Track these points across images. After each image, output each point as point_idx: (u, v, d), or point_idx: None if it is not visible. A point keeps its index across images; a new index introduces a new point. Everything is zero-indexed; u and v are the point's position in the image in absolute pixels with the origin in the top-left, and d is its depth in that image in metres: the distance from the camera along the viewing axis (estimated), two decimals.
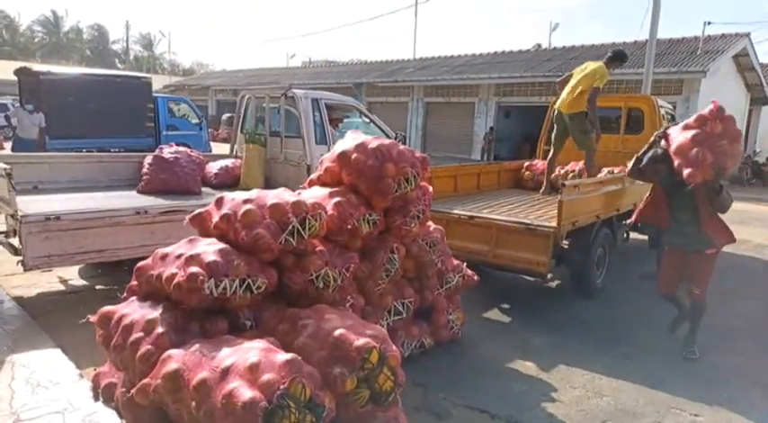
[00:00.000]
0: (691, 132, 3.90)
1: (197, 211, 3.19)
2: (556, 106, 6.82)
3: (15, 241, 4.33)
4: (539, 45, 29.86)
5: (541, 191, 7.00)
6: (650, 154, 4.33)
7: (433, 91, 24.45)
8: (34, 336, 3.95)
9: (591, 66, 6.48)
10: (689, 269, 4.31)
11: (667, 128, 4.27)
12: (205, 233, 3.12)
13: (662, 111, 7.56)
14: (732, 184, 18.30)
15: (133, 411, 2.68)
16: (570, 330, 4.74)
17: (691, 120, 3.99)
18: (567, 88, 6.57)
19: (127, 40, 65.20)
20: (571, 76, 6.61)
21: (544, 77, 19.85)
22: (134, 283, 3.04)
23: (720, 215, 4.18)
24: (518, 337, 4.57)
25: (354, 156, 3.64)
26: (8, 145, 11.77)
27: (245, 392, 2.16)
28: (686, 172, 3.85)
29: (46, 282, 5.28)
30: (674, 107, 12.76)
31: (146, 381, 2.48)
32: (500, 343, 4.41)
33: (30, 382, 3.27)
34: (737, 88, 20.37)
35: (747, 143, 22.44)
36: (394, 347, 2.65)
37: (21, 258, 4.11)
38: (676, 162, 3.94)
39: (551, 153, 7.00)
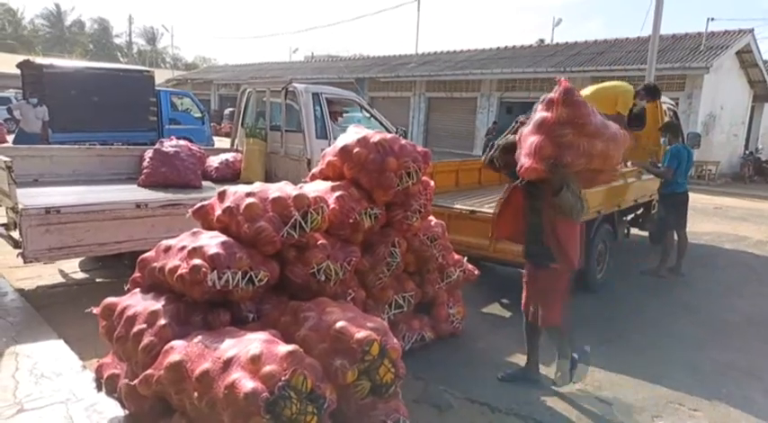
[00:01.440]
0: (536, 116, 3.22)
1: (200, 204, 3.21)
2: None
3: (16, 234, 4.34)
4: (542, 40, 29.76)
5: None
6: (503, 141, 3.56)
7: (436, 86, 24.41)
8: (38, 327, 3.98)
9: (622, 89, 6.33)
10: (538, 285, 3.55)
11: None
12: (208, 226, 3.14)
13: (664, 106, 7.54)
14: (734, 182, 18.33)
15: (136, 402, 2.71)
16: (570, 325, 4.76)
17: (540, 103, 3.28)
18: (588, 90, 6.56)
19: (130, 34, 65.19)
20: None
21: (546, 73, 19.80)
22: (137, 274, 3.06)
23: (572, 227, 3.38)
24: (518, 331, 4.54)
25: (356, 150, 3.65)
26: (11, 138, 11.78)
27: (247, 383, 2.18)
28: (520, 164, 3.20)
29: (49, 274, 5.31)
30: (677, 103, 12.73)
31: (148, 372, 2.50)
32: (500, 337, 4.43)
33: (33, 373, 3.31)
34: (740, 85, 20.29)
35: (749, 140, 22.38)
36: (395, 340, 2.67)
37: (21, 251, 4.13)
38: (518, 152, 3.27)
39: None
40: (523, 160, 3.16)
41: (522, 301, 3.73)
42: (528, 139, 3.18)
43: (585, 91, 6.58)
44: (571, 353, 3.56)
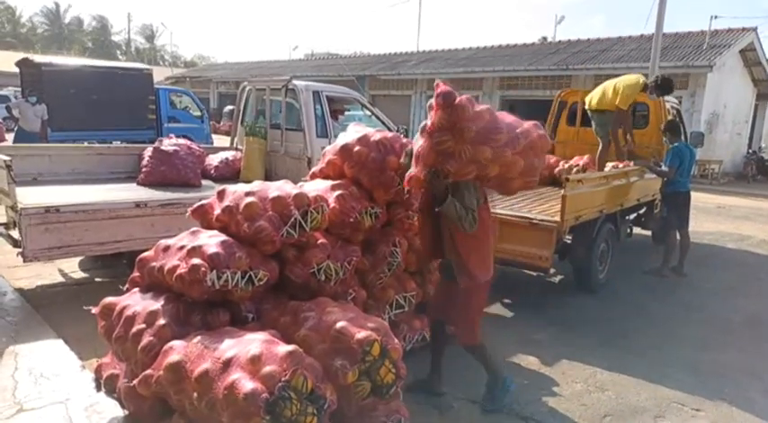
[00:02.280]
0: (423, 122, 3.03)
1: (199, 203, 3.18)
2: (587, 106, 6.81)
3: (15, 233, 4.33)
4: (544, 38, 29.69)
5: None
6: (408, 149, 3.36)
7: None
8: (37, 327, 3.97)
9: (627, 81, 6.29)
10: (453, 301, 3.27)
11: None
12: (207, 225, 3.12)
13: (667, 105, 7.50)
14: (737, 181, 18.29)
15: (135, 402, 2.69)
16: (572, 325, 4.74)
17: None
18: (599, 88, 6.55)
19: (128, 32, 64.94)
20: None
21: (549, 71, 19.76)
22: (136, 274, 3.04)
23: (479, 239, 3.09)
24: (520, 331, 4.56)
25: (357, 148, 3.63)
26: (10, 136, 11.76)
27: (247, 384, 2.16)
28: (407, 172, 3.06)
29: (48, 273, 5.29)
30: (680, 102, 12.67)
31: (148, 372, 2.49)
32: (502, 337, 4.39)
33: (32, 373, 3.29)
34: (744, 83, 20.24)
35: (753, 139, 22.32)
36: (395, 340, 2.64)
37: (20, 250, 4.11)
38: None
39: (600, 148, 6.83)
40: (411, 168, 3.02)
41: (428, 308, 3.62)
42: (416, 145, 3.03)
43: (598, 88, 6.60)
44: (502, 374, 3.36)
